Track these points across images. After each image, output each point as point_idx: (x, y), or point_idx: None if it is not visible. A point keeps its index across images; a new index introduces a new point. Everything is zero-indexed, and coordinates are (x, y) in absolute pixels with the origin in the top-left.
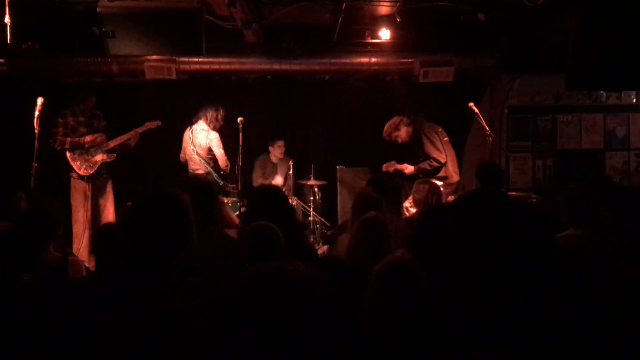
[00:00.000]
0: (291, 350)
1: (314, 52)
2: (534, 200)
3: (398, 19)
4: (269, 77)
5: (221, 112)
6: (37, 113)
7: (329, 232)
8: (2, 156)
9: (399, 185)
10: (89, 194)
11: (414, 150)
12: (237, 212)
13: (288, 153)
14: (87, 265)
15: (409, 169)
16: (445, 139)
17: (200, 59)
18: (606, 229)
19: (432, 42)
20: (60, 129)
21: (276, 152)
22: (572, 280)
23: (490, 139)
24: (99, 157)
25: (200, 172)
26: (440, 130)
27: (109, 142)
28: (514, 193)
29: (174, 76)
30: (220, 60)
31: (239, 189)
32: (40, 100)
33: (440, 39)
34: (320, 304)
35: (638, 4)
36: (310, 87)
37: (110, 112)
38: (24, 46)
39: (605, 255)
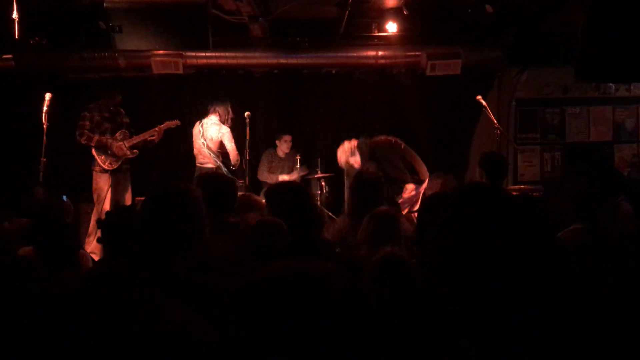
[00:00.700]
0: (309, 349)
1: (321, 46)
2: (538, 193)
3: (405, 12)
4: (275, 71)
5: (230, 109)
6: (45, 108)
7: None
8: (11, 151)
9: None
10: (109, 187)
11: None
12: None
13: (295, 147)
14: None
15: (407, 192)
16: (402, 145)
17: (207, 54)
18: (610, 222)
19: (439, 34)
20: (87, 123)
21: (283, 146)
22: (567, 276)
23: (498, 132)
24: (123, 153)
25: (209, 165)
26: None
27: (133, 139)
28: (521, 186)
29: (180, 71)
30: (227, 54)
31: (247, 183)
32: (48, 96)
33: (447, 31)
34: (340, 301)
35: None
36: (317, 81)
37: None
38: (31, 41)
39: (609, 249)
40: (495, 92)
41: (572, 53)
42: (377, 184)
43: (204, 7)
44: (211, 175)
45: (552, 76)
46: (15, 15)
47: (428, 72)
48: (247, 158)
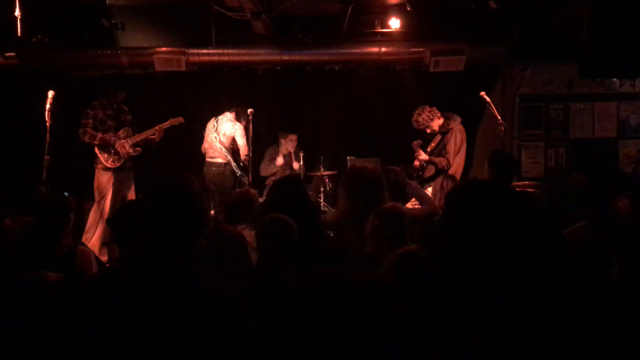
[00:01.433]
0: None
1: (324, 43)
2: (545, 189)
3: (408, 8)
4: (278, 68)
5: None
6: (48, 106)
7: None
8: (14, 149)
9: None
10: (111, 185)
11: (426, 143)
12: None
13: (298, 144)
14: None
15: (422, 156)
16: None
17: (209, 51)
18: (616, 219)
19: (442, 30)
20: (91, 121)
21: (288, 145)
22: (573, 273)
23: (502, 128)
24: (126, 151)
25: (219, 160)
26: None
27: (135, 137)
28: (525, 182)
29: (183, 68)
30: (230, 51)
31: (250, 180)
32: (51, 94)
33: (451, 27)
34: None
35: None
36: (320, 77)
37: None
38: (34, 39)
39: (614, 247)
40: (499, 88)
41: (576, 49)
42: (377, 184)
43: (207, 3)
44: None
45: (556, 72)
46: (17, 12)
47: (431, 69)
48: (250, 155)
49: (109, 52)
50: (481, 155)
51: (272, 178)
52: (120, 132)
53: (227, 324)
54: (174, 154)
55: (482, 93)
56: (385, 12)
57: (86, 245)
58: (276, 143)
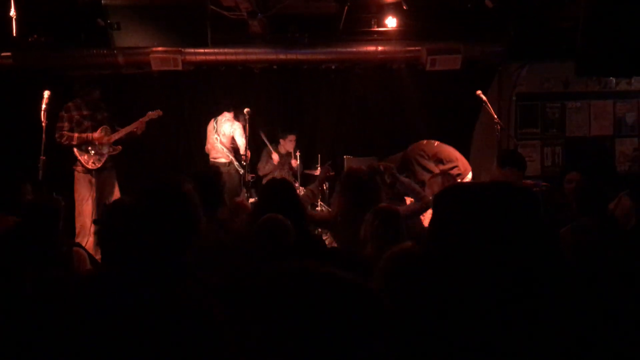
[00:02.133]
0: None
1: (320, 42)
2: (543, 187)
3: (404, 7)
4: (275, 67)
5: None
6: (44, 106)
7: None
8: (10, 149)
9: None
10: (94, 186)
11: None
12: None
13: (296, 144)
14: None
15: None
16: (436, 144)
17: (206, 50)
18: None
19: (439, 29)
20: (66, 124)
21: (287, 145)
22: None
23: (499, 127)
24: (106, 150)
25: (222, 160)
26: (424, 143)
27: (114, 135)
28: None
29: (180, 67)
30: (226, 50)
31: (253, 177)
32: (47, 94)
33: (447, 26)
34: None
35: None
36: (317, 76)
37: (116, 104)
38: (30, 39)
39: (613, 243)
40: (496, 87)
41: (573, 48)
42: (372, 183)
43: (203, 3)
44: (197, 172)
45: (552, 70)
46: (13, 12)
47: (428, 67)
48: (248, 154)
49: (105, 51)
50: (477, 154)
51: (270, 176)
52: (99, 130)
53: (206, 334)
54: (170, 153)
55: (479, 92)
56: (381, 11)
57: (82, 246)
58: (274, 143)
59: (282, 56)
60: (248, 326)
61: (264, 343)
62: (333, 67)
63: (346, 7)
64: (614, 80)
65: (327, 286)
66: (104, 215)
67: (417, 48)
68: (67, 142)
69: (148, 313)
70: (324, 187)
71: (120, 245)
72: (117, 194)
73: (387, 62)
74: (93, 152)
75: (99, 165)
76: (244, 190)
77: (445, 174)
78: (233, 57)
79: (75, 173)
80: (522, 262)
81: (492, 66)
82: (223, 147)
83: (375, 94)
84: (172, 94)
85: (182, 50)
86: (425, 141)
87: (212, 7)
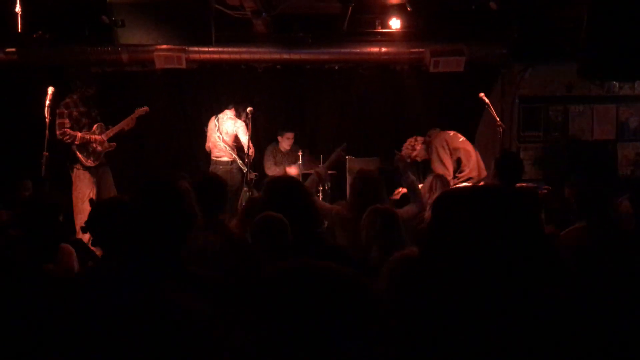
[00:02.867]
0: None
1: (324, 42)
2: (545, 191)
3: (408, 8)
4: (278, 66)
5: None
6: (47, 102)
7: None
8: (13, 145)
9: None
10: (93, 184)
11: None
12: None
13: (297, 143)
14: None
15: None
16: (461, 139)
17: (210, 49)
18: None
19: (442, 31)
20: (67, 120)
21: (285, 143)
22: (565, 275)
23: (501, 129)
24: (102, 147)
25: (225, 159)
26: (451, 135)
27: (108, 132)
28: (523, 184)
29: (183, 65)
30: (230, 49)
31: (256, 176)
32: (51, 90)
33: (451, 28)
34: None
35: None
36: (320, 76)
37: (117, 101)
38: (34, 35)
39: (613, 247)
40: (499, 89)
41: (576, 50)
42: (377, 182)
43: (207, 2)
44: (202, 175)
45: (556, 73)
46: (18, 9)
47: (431, 69)
48: (251, 153)
49: (109, 49)
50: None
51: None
52: (94, 128)
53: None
54: (172, 151)
55: (481, 94)
56: (385, 12)
57: (83, 242)
58: (275, 141)
59: (285, 56)
60: (242, 323)
61: (260, 341)
62: (336, 67)
63: (350, 8)
64: (617, 84)
65: (320, 283)
66: (91, 211)
67: (420, 50)
68: (69, 140)
69: (136, 309)
70: (326, 187)
71: (113, 241)
72: (114, 190)
73: (390, 64)
74: (91, 149)
75: (97, 163)
76: (246, 189)
77: (438, 177)
78: (237, 56)
79: (75, 171)
80: (519, 264)
81: (495, 68)
82: (225, 146)
83: (378, 95)
84: (174, 92)
85: (186, 48)
86: (452, 133)
87: (216, 5)
